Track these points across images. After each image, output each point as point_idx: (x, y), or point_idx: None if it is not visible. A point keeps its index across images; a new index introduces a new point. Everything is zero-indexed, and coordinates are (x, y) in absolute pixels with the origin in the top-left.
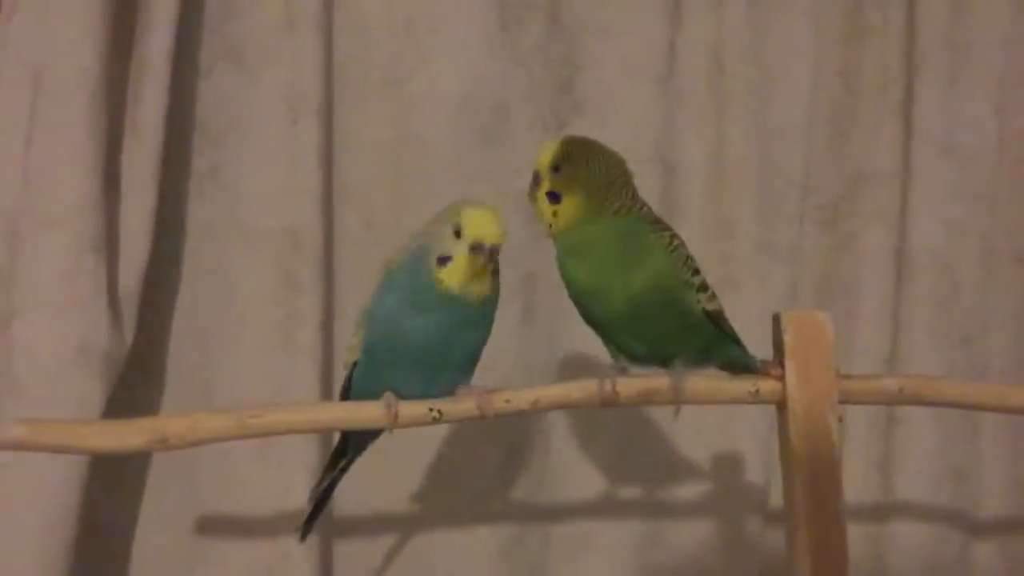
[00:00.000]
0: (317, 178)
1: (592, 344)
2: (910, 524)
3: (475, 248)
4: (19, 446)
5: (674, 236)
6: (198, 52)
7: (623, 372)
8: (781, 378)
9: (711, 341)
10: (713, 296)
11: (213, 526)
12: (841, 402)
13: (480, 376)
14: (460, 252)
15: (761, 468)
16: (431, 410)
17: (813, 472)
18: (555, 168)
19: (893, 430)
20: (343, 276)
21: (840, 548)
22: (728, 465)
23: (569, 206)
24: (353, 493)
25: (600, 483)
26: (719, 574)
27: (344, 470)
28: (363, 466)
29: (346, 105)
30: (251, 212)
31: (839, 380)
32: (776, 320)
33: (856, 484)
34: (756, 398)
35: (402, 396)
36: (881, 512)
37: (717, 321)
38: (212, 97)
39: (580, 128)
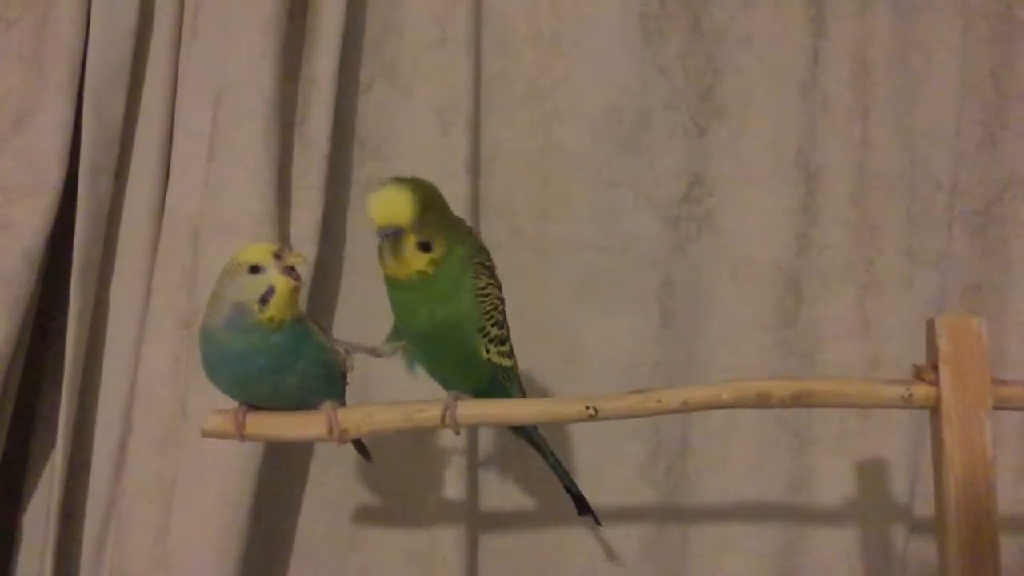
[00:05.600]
0: (465, 186)
1: (735, 347)
2: None
3: (278, 256)
4: (217, 434)
5: (490, 284)
6: (358, 70)
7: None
8: (935, 383)
9: (490, 390)
10: (507, 354)
11: (369, 513)
12: (996, 408)
13: (620, 379)
14: (273, 276)
15: (906, 476)
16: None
17: (967, 479)
18: (417, 219)
19: None
20: None
21: (993, 557)
22: (871, 472)
23: (439, 250)
24: (498, 487)
25: (740, 486)
26: None
27: None
28: (509, 462)
29: (493, 117)
30: None
31: (995, 385)
32: (930, 325)
33: (1004, 493)
34: (909, 403)
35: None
36: None
37: (502, 377)
38: (371, 111)
39: (722, 134)
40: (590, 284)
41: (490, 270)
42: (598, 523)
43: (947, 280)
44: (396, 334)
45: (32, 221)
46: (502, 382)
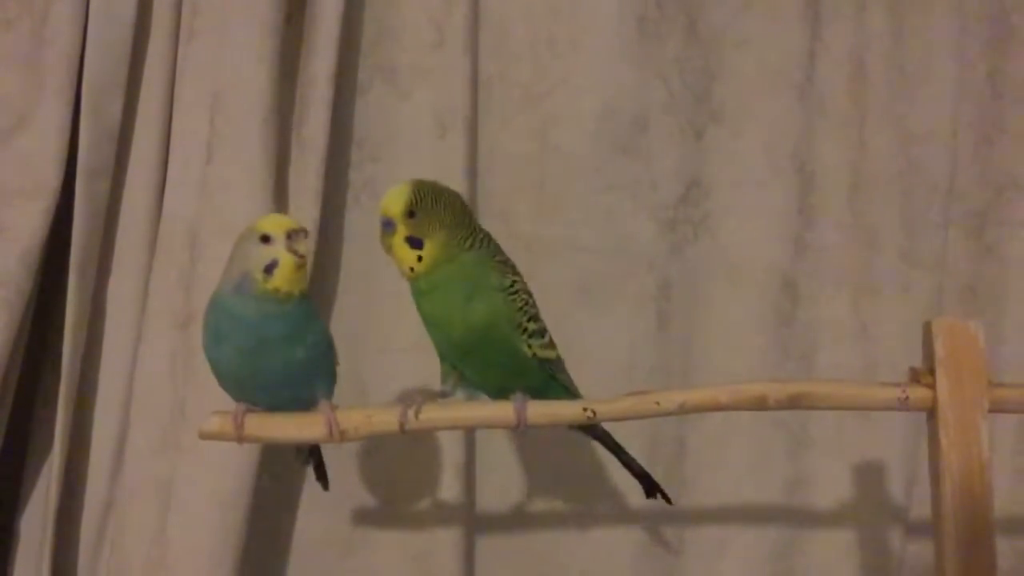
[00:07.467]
0: (463, 188)
1: (732, 350)
2: None
3: (291, 236)
4: (215, 436)
5: (516, 280)
6: (356, 72)
7: (442, 396)
8: (931, 386)
9: (545, 385)
10: (549, 345)
11: (366, 515)
12: (992, 410)
13: (617, 382)
14: (279, 251)
15: (903, 478)
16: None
17: (963, 481)
18: (410, 214)
19: None
20: None
21: (990, 560)
22: (868, 475)
23: (432, 249)
24: (496, 489)
25: (737, 489)
26: None
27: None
28: (505, 464)
29: (491, 119)
30: None
31: (991, 388)
32: (927, 328)
33: (1001, 495)
34: (905, 405)
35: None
36: None
37: (550, 369)
38: (368, 114)
39: (718, 137)
40: (587, 286)
41: (513, 268)
42: (669, 502)
43: (944, 282)
44: (448, 369)
45: (29, 223)
46: (555, 375)
